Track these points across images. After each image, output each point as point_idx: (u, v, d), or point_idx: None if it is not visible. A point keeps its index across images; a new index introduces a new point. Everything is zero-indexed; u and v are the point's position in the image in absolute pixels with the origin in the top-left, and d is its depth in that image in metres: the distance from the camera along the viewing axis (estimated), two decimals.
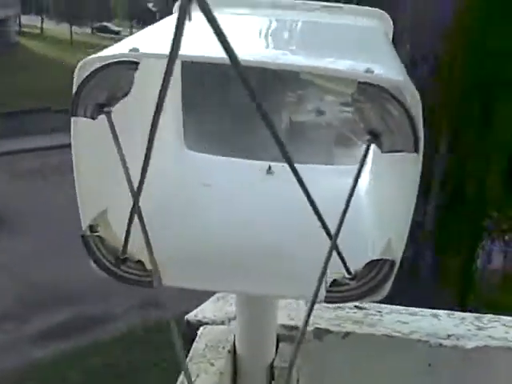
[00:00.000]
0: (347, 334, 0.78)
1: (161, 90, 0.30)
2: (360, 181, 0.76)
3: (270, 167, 0.79)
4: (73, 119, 0.45)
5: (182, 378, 0.70)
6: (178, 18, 0.27)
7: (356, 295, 0.50)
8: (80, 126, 0.46)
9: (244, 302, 0.71)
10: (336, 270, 0.50)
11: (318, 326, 0.79)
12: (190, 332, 0.82)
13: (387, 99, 0.41)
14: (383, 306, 0.87)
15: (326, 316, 0.82)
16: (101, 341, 8.50)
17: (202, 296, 0.85)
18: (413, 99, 0.41)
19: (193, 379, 0.70)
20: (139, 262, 0.50)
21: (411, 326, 0.80)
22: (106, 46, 0.46)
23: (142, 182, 0.38)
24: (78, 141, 0.46)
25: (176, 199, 0.66)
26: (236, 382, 0.75)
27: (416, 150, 0.43)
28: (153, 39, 0.49)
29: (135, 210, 0.41)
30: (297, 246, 0.60)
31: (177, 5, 0.76)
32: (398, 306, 0.87)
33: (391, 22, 0.71)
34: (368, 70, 0.41)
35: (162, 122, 0.54)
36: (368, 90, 0.41)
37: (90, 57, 0.43)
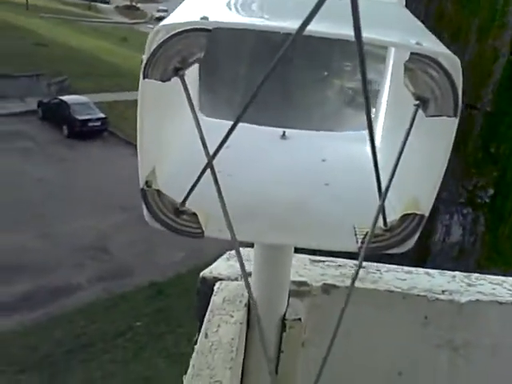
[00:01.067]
0: None
1: (276, 62, 0.34)
2: (366, 146, 0.82)
3: (284, 133, 0.83)
4: (142, 81, 0.48)
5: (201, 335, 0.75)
6: None
7: (387, 245, 0.56)
8: (147, 88, 0.49)
9: (262, 259, 0.77)
10: (368, 223, 0.56)
11: (326, 281, 0.85)
12: (204, 288, 0.87)
13: (434, 68, 0.47)
14: (381, 265, 0.94)
15: (331, 273, 0.88)
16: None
17: None
18: (455, 68, 0.47)
19: (214, 330, 0.76)
20: (194, 214, 0.54)
21: (409, 283, 0.88)
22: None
23: (224, 141, 0.42)
24: (144, 101, 0.50)
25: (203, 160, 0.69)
26: (250, 333, 0.81)
27: (455, 115, 0.48)
28: (214, 8, 0.52)
29: (209, 165, 0.45)
30: (320, 201, 0.66)
31: None
32: (394, 266, 0.94)
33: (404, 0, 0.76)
34: (418, 43, 0.46)
35: (178, 88, 0.58)
36: (419, 60, 0.46)
37: (163, 24, 0.47)
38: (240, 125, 0.90)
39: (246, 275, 0.47)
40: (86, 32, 28.96)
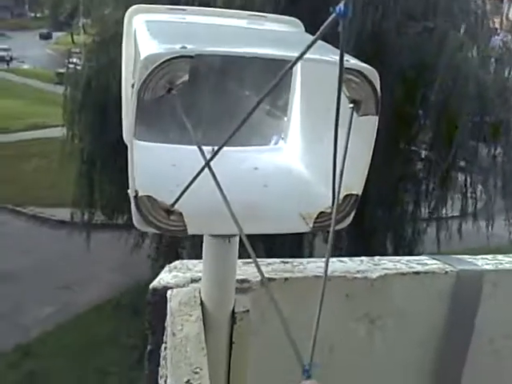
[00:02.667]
0: (286, 279, 0.97)
1: (272, 86, 0.46)
2: (284, 156, 0.96)
3: (213, 149, 0.95)
4: (137, 98, 0.58)
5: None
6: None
7: (335, 222, 0.70)
8: (140, 105, 0.59)
9: (212, 262, 0.87)
10: (319, 206, 0.70)
11: None
12: (155, 298, 0.94)
13: (359, 78, 0.62)
14: (302, 259, 1.08)
15: (264, 270, 1.01)
16: None
17: None
18: (374, 77, 0.63)
19: (179, 328, 0.84)
20: (180, 214, 0.64)
21: (330, 268, 1.03)
22: None
23: (220, 148, 0.53)
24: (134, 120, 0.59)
25: (161, 175, 0.78)
26: (206, 328, 0.90)
27: (377, 113, 0.64)
28: (188, 39, 0.63)
29: (205, 169, 0.55)
30: (265, 199, 0.79)
31: (127, 15, 0.89)
32: (312, 258, 1.09)
33: (303, 28, 0.92)
34: (347, 60, 0.61)
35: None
36: (349, 72, 0.61)
37: (154, 52, 0.57)
38: (172, 146, 1.00)
39: (256, 260, 0.56)
40: None
